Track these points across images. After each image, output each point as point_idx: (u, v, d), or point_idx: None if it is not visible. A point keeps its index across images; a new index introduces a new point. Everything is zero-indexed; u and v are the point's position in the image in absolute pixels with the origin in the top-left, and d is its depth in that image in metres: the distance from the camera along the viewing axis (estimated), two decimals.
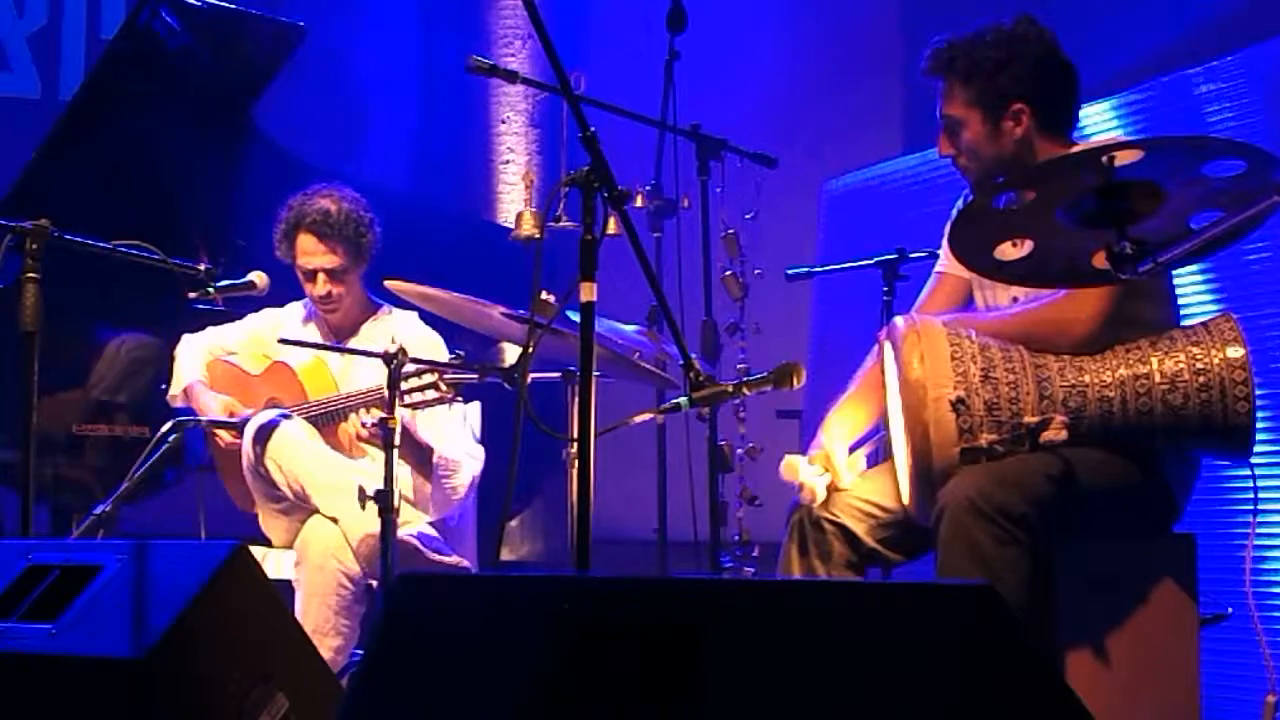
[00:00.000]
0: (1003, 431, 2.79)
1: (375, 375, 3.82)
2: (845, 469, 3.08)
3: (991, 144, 3.07)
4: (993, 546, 2.71)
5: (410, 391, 3.53)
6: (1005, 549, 2.71)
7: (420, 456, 3.96)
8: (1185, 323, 2.99)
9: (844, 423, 3.16)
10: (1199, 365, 2.82)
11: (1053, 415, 2.78)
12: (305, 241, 4.20)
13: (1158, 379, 2.83)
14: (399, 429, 3.48)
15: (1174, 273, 3.00)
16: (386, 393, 3.50)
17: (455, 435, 4.10)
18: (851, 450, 3.13)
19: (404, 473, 3.95)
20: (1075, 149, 2.99)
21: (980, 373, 2.81)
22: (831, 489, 3.06)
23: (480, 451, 4.16)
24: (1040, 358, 2.86)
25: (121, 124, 4.84)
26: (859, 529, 3.04)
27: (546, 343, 3.21)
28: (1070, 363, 2.86)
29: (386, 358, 3.50)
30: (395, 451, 3.49)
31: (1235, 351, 2.82)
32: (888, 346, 3.01)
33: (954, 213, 2.95)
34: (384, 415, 3.48)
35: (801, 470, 3.07)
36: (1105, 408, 2.83)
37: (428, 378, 3.52)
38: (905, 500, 2.96)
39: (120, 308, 4.71)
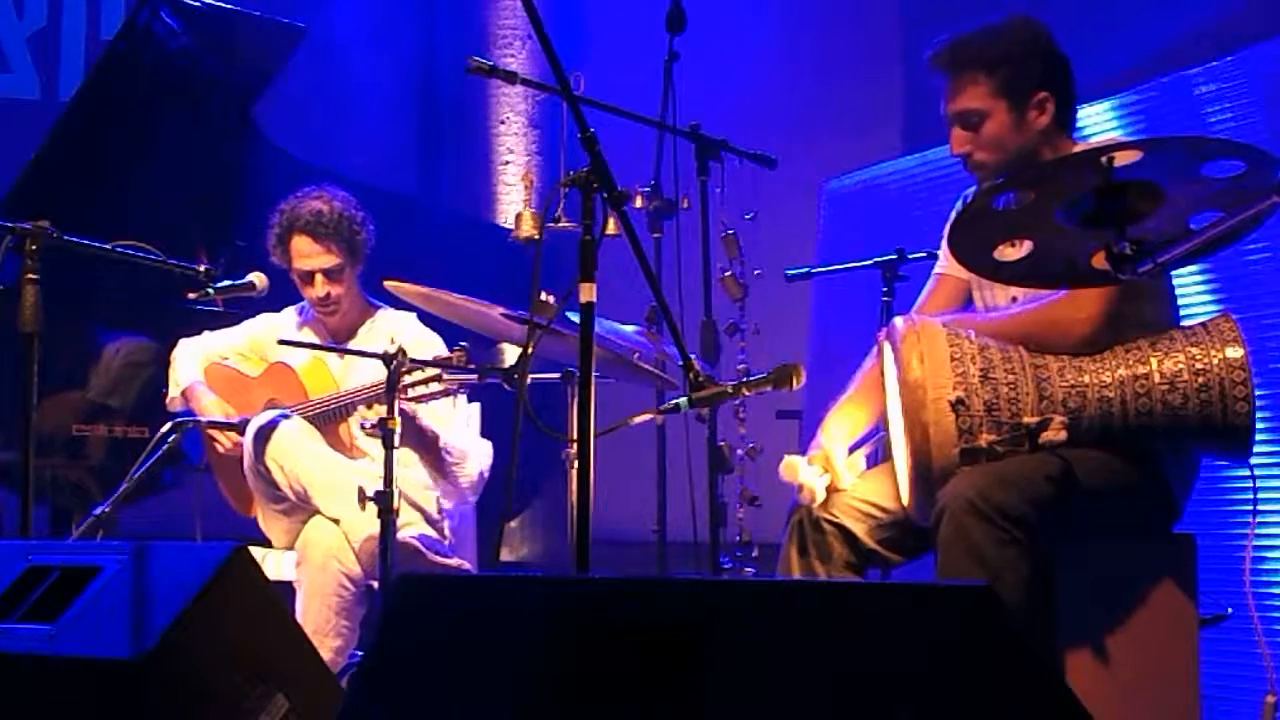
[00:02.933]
0: (1002, 432, 2.79)
1: (375, 375, 3.82)
2: (845, 469, 3.07)
3: (1017, 135, 3.04)
4: (992, 547, 2.71)
5: (414, 385, 3.53)
6: (1005, 549, 2.71)
7: (423, 441, 3.94)
8: (1185, 323, 2.99)
9: (843, 423, 3.15)
10: (1198, 365, 2.82)
11: (1052, 416, 2.78)
12: (300, 244, 4.19)
13: (1157, 379, 2.83)
14: (399, 423, 3.48)
15: (1174, 273, 3.00)
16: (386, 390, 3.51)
17: (460, 428, 4.11)
18: (851, 451, 3.13)
19: (410, 470, 3.95)
20: (1076, 149, 2.98)
21: (980, 373, 2.81)
22: (831, 489, 3.05)
23: (488, 446, 4.16)
24: (1040, 358, 2.86)
25: (121, 125, 4.84)
26: (859, 530, 3.04)
27: (546, 343, 3.21)
28: (1070, 363, 2.86)
29: (386, 358, 3.50)
30: (395, 452, 3.49)
31: (1235, 352, 2.82)
32: (887, 347, 3.01)
33: (953, 214, 2.94)
34: (383, 415, 3.48)
35: (801, 471, 3.06)
36: (1105, 408, 2.83)
37: (430, 373, 3.52)
38: (905, 501, 2.96)
39: (119, 309, 4.71)
